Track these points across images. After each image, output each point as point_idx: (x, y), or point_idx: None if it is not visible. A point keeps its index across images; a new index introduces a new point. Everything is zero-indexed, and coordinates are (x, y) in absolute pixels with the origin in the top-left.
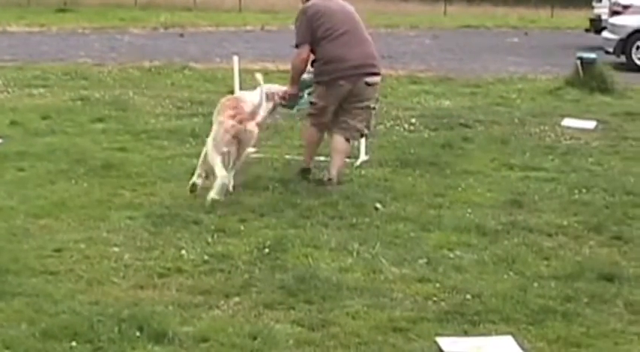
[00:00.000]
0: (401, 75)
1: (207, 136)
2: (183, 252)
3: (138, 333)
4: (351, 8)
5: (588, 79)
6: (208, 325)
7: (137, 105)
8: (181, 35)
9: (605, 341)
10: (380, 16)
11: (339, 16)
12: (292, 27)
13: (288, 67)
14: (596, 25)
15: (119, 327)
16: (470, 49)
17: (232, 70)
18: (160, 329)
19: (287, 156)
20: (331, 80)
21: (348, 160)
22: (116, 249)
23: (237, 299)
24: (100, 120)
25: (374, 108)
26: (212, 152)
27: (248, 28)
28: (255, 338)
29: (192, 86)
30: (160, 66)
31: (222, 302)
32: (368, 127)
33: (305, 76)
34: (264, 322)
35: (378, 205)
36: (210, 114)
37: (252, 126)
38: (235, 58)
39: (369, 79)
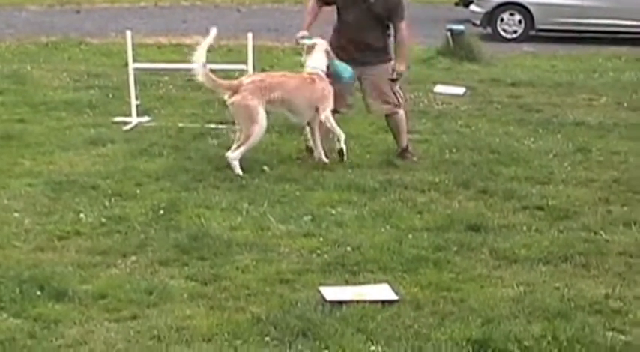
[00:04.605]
0: (286, 47)
1: (103, 107)
2: (82, 215)
3: (39, 292)
4: None
5: (458, 49)
6: (106, 283)
7: (35, 78)
8: (77, 12)
9: (473, 285)
10: None
11: None
12: (184, 3)
13: (180, 40)
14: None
15: (20, 288)
16: None
17: (126, 44)
18: (60, 288)
19: (180, 124)
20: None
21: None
22: (17, 215)
23: (133, 258)
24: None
25: None
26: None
27: (142, 4)
28: (151, 293)
29: (89, 60)
30: (57, 41)
31: (119, 261)
32: None
33: None
34: (159, 278)
35: (265, 168)
36: (106, 86)
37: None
38: (128, 33)
39: None
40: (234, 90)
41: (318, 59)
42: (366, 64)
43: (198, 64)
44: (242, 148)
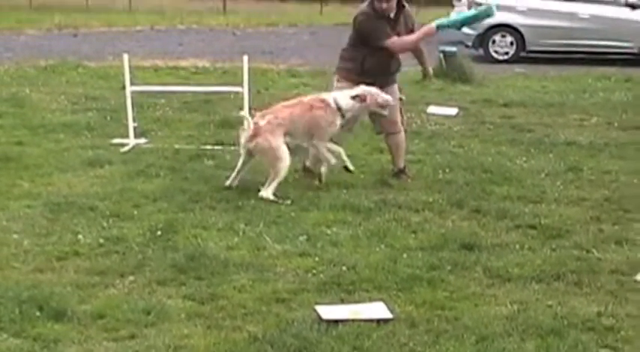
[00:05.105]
0: (281, 69)
1: (101, 129)
2: (80, 236)
3: (38, 313)
4: None
5: (450, 70)
6: (105, 303)
7: (34, 101)
8: (75, 35)
9: (467, 303)
10: (261, 15)
11: None
12: (180, 26)
13: (177, 63)
14: None
15: (20, 308)
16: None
17: (123, 67)
18: (59, 308)
19: (176, 146)
20: None
21: (233, 148)
22: (16, 236)
23: (131, 278)
24: None
25: None
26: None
27: (138, 27)
28: (149, 313)
29: (87, 83)
30: (54, 64)
31: (117, 281)
32: None
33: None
34: (157, 298)
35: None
36: (103, 109)
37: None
38: (125, 56)
39: None
40: (254, 134)
41: (342, 95)
42: (383, 85)
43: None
44: (273, 184)
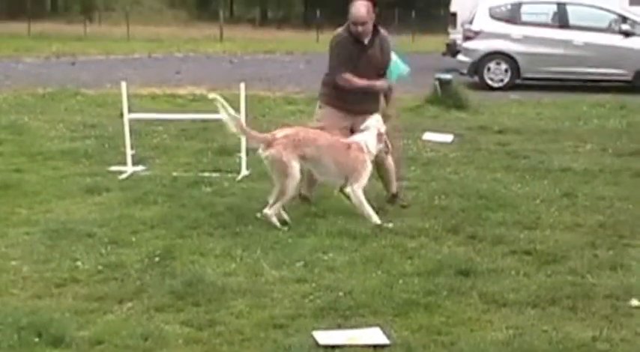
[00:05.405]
0: (278, 96)
1: (99, 157)
2: (79, 262)
3: (37, 339)
4: None
5: (446, 97)
6: (103, 329)
7: (32, 129)
8: (73, 63)
9: (463, 329)
10: (258, 43)
11: None
12: (177, 54)
13: (174, 90)
14: (452, 49)
15: (18, 334)
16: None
17: (121, 94)
18: (57, 334)
19: (174, 173)
20: None
21: (230, 175)
22: (14, 263)
23: (129, 304)
24: None
25: None
26: None
27: (136, 55)
28: (146, 339)
29: (85, 110)
30: (53, 92)
31: (115, 307)
32: None
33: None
34: (155, 324)
35: (259, 215)
36: (102, 136)
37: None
38: (123, 84)
39: None
40: (268, 144)
41: (368, 136)
42: (361, 113)
43: (230, 116)
44: (278, 204)
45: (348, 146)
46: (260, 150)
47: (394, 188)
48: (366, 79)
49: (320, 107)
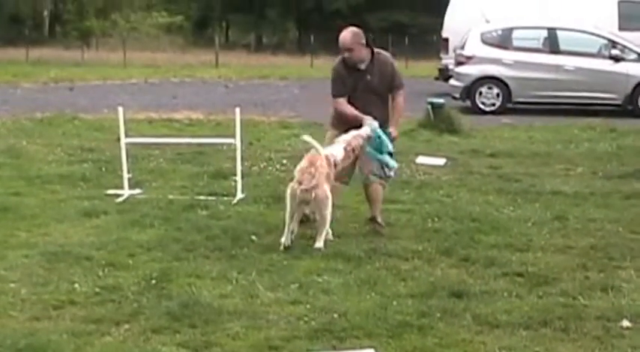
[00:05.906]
0: (273, 121)
1: (97, 180)
2: (76, 285)
3: None
4: None
5: (438, 121)
6: (100, 350)
7: (30, 153)
8: (71, 89)
9: (456, 350)
10: (253, 68)
11: None
12: (173, 79)
13: (170, 115)
14: (444, 74)
15: None
16: None
17: (118, 119)
18: None
19: (170, 196)
20: None
21: (225, 198)
22: (13, 285)
23: (127, 326)
24: None
25: None
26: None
27: (133, 81)
28: None
29: (82, 135)
30: (51, 117)
31: (113, 329)
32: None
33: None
34: (152, 346)
35: (254, 237)
36: (99, 160)
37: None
38: (120, 109)
39: None
40: (314, 185)
41: (337, 149)
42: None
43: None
44: (323, 234)
45: (329, 162)
46: (299, 192)
47: (377, 211)
48: (367, 103)
49: (327, 130)
